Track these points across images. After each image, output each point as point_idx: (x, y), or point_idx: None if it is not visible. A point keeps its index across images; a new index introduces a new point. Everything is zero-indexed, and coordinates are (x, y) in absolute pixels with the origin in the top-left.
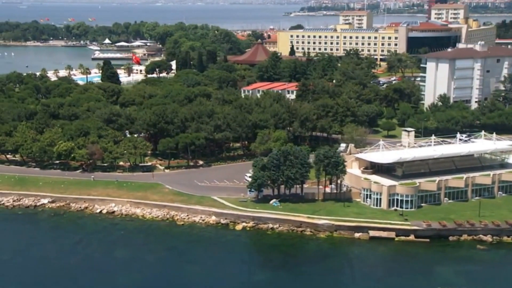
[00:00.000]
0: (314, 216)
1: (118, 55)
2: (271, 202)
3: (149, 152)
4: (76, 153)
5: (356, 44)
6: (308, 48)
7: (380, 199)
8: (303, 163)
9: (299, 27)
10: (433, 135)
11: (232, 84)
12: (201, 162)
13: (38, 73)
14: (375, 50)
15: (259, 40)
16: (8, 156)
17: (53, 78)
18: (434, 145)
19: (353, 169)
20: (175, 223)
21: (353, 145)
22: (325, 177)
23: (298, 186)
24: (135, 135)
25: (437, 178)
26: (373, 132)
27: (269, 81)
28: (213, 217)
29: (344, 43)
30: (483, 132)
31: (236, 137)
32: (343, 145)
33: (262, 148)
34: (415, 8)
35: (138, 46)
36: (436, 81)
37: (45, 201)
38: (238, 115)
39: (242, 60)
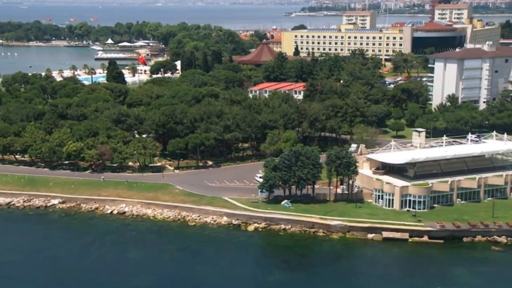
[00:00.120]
0: (327, 217)
1: (121, 55)
2: (282, 202)
3: (158, 152)
4: (86, 154)
5: (361, 44)
6: (313, 48)
7: (393, 200)
8: (315, 164)
9: (302, 27)
10: (444, 135)
11: (238, 84)
12: (210, 163)
13: (43, 74)
14: (379, 50)
15: (264, 40)
16: (17, 156)
17: (58, 78)
18: (445, 145)
19: (364, 169)
20: (186, 224)
21: (364, 145)
22: (336, 178)
23: (309, 186)
24: (144, 136)
25: (450, 179)
26: (382, 133)
27: (276, 81)
28: (225, 218)
29: (349, 43)
30: (494, 133)
31: (245, 137)
32: (354, 146)
33: (272, 148)
34: (415, 8)
35: (141, 46)
36: (444, 81)
37: (55, 201)
38: (247, 116)
39: (247, 60)
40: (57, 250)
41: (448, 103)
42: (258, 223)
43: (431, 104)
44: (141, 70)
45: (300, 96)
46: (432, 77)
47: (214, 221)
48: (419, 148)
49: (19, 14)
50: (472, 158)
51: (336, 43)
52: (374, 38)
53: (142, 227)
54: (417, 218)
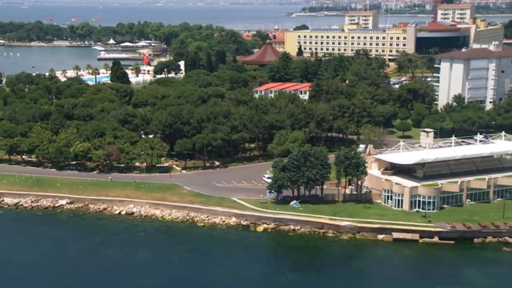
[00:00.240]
0: (336, 218)
1: (123, 55)
2: (291, 203)
3: (165, 153)
4: (93, 154)
5: (364, 44)
6: (316, 49)
7: (402, 200)
8: (324, 164)
9: (304, 27)
10: (453, 136)
11: (243, 84)
12: (217, 163)
13: (46, 74)
14: (383, 51)
15: (267, 40)
16: (24, 156)
17: (62, 78)
18: (454, 146)
19: (373, 170)
20: (195, 225)
21: (372, 146)
22: (345, 178)
23: (318, 187)
24: (150, 136)
25: (459, 179)
26: (389, 133)
27: (281, 82)
28: (234, 219)
29: (352, 43)
30: (503, 133)
31: (252, 137)
32: (362, 146)
33: (280, 149)
34: (416, 8)
35: (143, 47)
36: (450, 81)
37: (63, 202)
38: (254, 116)
39: (251, 61)
40: (66, 251)
41: (454, 103)
42: (267, 224)
43: (437, 104)
44: (144, 70)
45: (306, 96)
46: (438, 77)
47: (223, 221)
48: (427, 149)
49: (20, 14)
50: (481, 158)
51: (339, 43)
52: (377, 38)
53: (151, 227)
54: (427, 219)
